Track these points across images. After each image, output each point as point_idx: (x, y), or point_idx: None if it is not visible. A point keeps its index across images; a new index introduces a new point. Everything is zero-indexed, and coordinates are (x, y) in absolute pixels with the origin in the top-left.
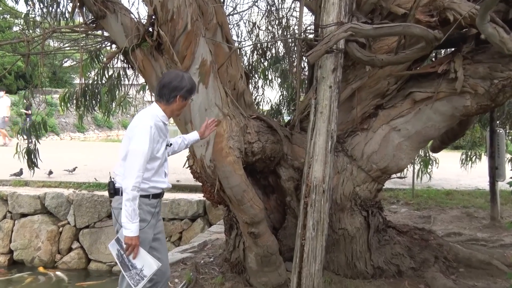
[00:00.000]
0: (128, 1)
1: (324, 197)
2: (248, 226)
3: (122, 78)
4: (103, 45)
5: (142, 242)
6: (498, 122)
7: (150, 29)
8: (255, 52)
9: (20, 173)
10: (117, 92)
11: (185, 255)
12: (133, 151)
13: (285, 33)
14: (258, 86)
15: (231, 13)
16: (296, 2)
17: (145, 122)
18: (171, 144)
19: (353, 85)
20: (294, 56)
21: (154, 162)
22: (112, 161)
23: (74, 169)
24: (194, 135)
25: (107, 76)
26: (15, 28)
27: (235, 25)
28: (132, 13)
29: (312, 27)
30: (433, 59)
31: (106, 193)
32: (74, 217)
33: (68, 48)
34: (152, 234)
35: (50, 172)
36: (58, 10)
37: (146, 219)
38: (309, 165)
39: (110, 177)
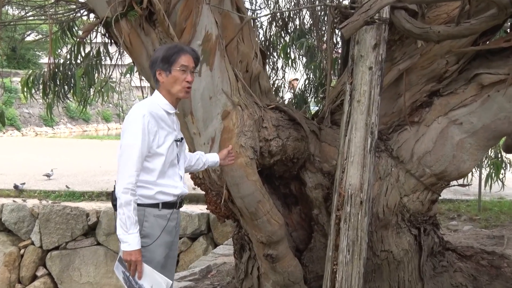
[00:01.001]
0: None
1: (362, 210)
2: (264, 246)
3: (103, 57)
4: (78, 14)
5: (148, 263)
6: None
7: None
8: (274, 23)
9: None
10: (96, 75)
11: (184, 284)
12: (123, 147)
13: None
14: (278, 68)
15: None
16: None
17: (137, 111)
18: (182, 139)
19: (400, 65)
20: (324, 28)
21: (155, 160)
22: (90, 163)
23: (49, 175)
24: (213, 157)
25: (83, 54)
26: None
27: None
28: None
29: None
30: (508, 30)
31: (81, 205)
32: (40, 235)
33: (32, 18)
34: (164, 255)
35: (16, 187)
36: None
37: (153, 234)
38: (342, 169)
39: (114, 186)
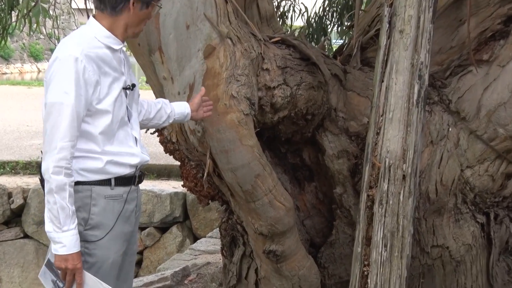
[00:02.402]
0: None
1: (406, 188)
2: (265, 240)
3: None
4: None
5: (99, 267)
6: None
7: None
8: None
9: None
10: None
11: None
12: (49, 108)
13: None
14: None
15: None
16: None
17: (65, 52)
18: (134, 86)
19: None
20: None
21: (98, 121)
22: (12, 121)
23: None
24: (182, 107)
25: None
26: None
27: None
28: None
29: None
30: None
31: (0, 180)
32: None
33: None
34: (121, 251)
35: None
36: None
37: (106, 223)
38: (377, 130)
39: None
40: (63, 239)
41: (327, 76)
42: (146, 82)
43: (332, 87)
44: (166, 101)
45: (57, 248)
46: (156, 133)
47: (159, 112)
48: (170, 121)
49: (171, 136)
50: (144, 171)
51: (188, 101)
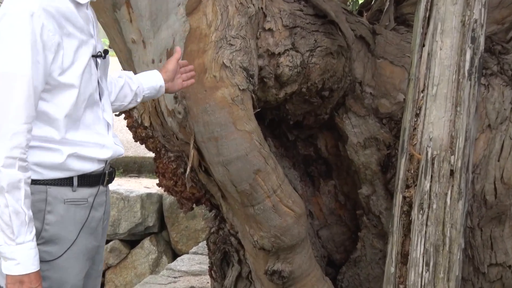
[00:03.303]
0: None
1: (454, 188)
2: (268, 256)
3: None
4: None
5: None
6: None
7: None
8: None
9: None
10: None
11: None
12: None
13: None
14: None
15: None
16: None
17: (17, 6)
18: (106, 53)
19: None
20: None
21: (60, 97)
22: None
23: None
24: (152, 78)
25: None
26: None
27: None
28: None
29: None
30: None
31: None
32: None
33: None
34: (84, 273)
35: None
36: None
37: (65, 236)
38: (416, 110)
39: None
40: (17, 254)
41: (350, 39)
42: (110, 46)
43: (357, 53)
44: (130, 73)
45: (9, 266)
46: (123, 115)
47: (123, 91)
48: (139, 100)
49: (142, 118)
50: (115, 168)
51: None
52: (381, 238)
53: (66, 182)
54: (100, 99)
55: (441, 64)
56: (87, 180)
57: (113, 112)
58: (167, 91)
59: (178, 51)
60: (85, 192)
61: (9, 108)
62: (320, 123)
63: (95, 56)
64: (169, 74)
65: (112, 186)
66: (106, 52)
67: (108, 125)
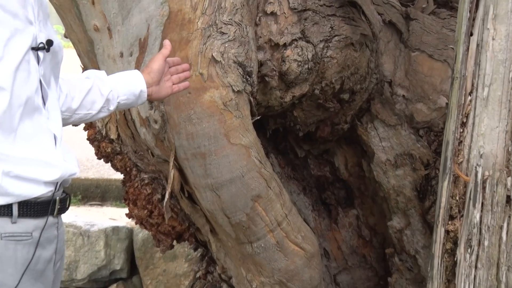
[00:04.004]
0: None
1: None
2: None
3: None
4: None
5: None
6: None
7: None
8: None
9: None
10: None
11: None
12: None
13: None
14: None
15: None
16: None
17: None
18: (50, 44)
19: None
20: None
21: None
22: None
23: None
24: (131, 80)
25: None
26: None
27: None
28: None
29: None
30: None
31: None
32: None
33: None
34: None
35: None
36: None
37: (1, 283)
38: (462, 118)
39: None
40: None
41: (377, 26)
42: (65, 36)
43: (386, 44)
44: (101, 73)
45: None
46: (81, 124)
47: (90, 95)
48: (111, 109)
49: (107, 129)
50: (70, 194)
51: (139, 68)
52: (418, 284)
53: (2, 210)
54: (44, 104)
55: (494, 58)
56: (31, 208)
57: (75, 124)
58: (150, 97)
59: (167, 45)
60: (29, 225)
61: None
62: (338, 135)
63: (35, 48)
64: (153, 76)
65: (66, 218)
66: (50, 43)
67: (55, 137)
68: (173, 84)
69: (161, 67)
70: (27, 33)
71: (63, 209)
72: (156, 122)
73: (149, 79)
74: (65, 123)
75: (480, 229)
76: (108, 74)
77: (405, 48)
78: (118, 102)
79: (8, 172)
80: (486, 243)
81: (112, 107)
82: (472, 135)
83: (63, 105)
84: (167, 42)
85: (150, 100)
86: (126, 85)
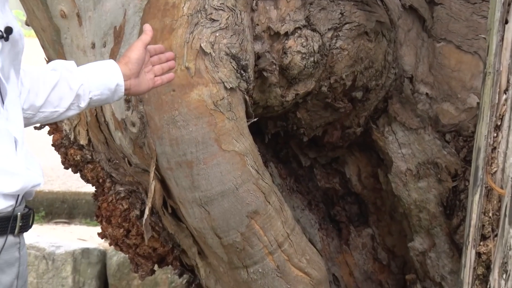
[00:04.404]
0: None
1: None
2: None
3: None
4: None
5: None
6: None
7: None
8: None
9: None
10: None
11: None
12: None
13: None
14: None
15: None
16: None
17: None
18: (9, 32)
19: None
20: None
21: None
22: None
23: None
24: (105, 74)
25: None
26: None
27: None
28: None
29: None
30: None
31: None
32: None
33: None
34: None
35: None
36: None
37: None
38: (496, 121)
39: None
40: None
41: (395, 12)
42: (27, 23)
43: (406, 33)
44: (70, 64)
45: None
46: (46, 127)
47: (57, 90)
48: (83, 106)
49: (76, 133)
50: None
51: (115, 58)
52: None
53: None
54: (3, 102)
55: None
56: None
57: (40, 123)
58: (128, 92)
59: (148, 30)
60: None
61: None
62: (349, 141)
63: None
64: (132, 67)
65: (27, 238)
66: (9, 30)
67: (15, 141)
68: (155, 76)
69: (141, 56)
70: None
71: (26, 226)
72: (134, 125)
73: (126, 70)
74: (27, 123)
75: None
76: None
77: (428, 37)
78: (90, 98)
79: None
80: None
81: (83, 104)
82: (508, 141)
83: (25, 102)
84: (147, 27)
85: (128, 95)
86: (100, 78)
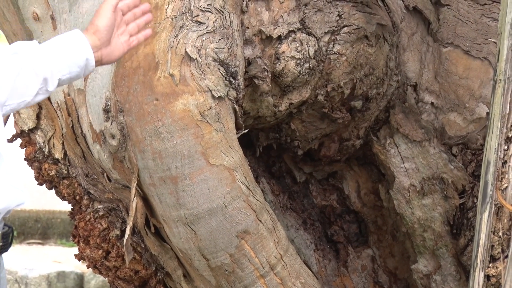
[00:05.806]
0: None
1: None
2: None
3: None
4: None
5: None
6: None
7: None
8: None
9: None
10: None
11: None
12: None
13: None
14: None
15: None
16: None
17: None
18: None
19: None
20: None
21: None
22: None
23: None
24: (71, 46)
25: None
26: None
27: None
28: None
29: None
30: None
31: None
32: None
33: None
34: None
35: None
36: None
37: None
38: (507, 133)
39: None
40: None
41: (398, 14)
42: None
43: (409, 37)
44: (32, 44)
45: None
46: (17, 140)
47: (21, 79)
48: (51, 89)
49: (51, 146)
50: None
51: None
52: None
53: None
54: None
55: None
56: None
57: (8, 113)
58: (100, 63)
59: None
60: None
61: None
62: (348, 154)
63: None
64: (101, 35)
65: (7, 264)
66: None
67: None
68: (130, 36)
69: (111, 21)
70: None
71: (6, 246)
72: (113, 137)
73: (95, 41)
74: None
75: None
76: None
77: (434, 42)
78: (59, 79)
79: None
80: None
81: (51, 87)
82: None
83: None
84: None
85: (102, 64)
86: (67, 56)
